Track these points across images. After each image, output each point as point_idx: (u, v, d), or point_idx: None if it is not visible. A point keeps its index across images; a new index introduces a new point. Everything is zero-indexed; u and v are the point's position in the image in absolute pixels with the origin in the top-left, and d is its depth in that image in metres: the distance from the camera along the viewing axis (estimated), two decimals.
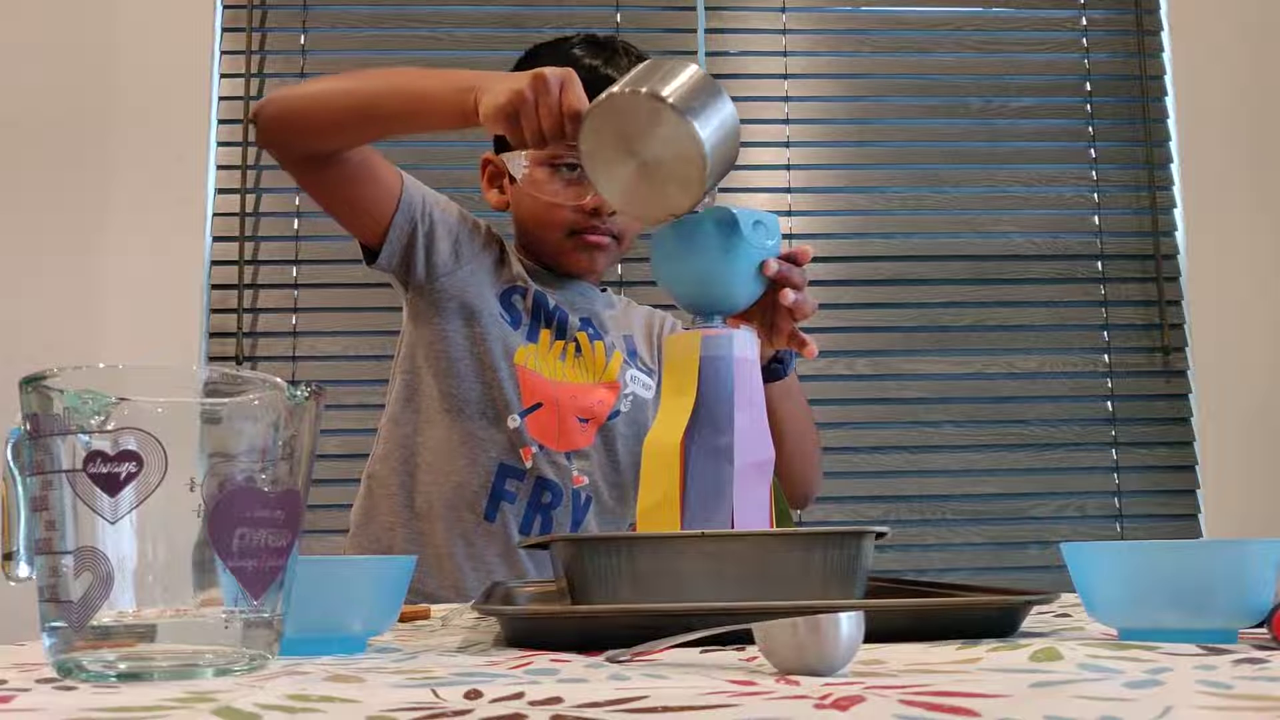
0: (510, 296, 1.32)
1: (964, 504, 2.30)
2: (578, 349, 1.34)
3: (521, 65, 1.33)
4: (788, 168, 2.37)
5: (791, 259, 0.98)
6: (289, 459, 0.56)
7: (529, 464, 1.28)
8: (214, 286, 2.27)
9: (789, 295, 0.98)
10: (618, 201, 0.90)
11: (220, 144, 2.30)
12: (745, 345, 0.88)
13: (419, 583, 1.24)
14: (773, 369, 1.18)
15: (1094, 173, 2.42)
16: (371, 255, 1.28)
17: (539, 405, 1.29)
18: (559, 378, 1.32)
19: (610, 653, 0.58)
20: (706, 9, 2.38)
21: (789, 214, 2.35)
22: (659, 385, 1.36)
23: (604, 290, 1.44)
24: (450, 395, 1.29)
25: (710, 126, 0.84)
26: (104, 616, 0.51)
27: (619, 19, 2.37)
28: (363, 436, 2.10)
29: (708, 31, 2.37)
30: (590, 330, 1.35)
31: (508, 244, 1.37)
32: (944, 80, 2.43)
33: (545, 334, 1.32)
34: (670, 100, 0.83)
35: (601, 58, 1.27)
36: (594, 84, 1.04)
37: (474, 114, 1.06)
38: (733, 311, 0.93)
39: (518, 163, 1.26)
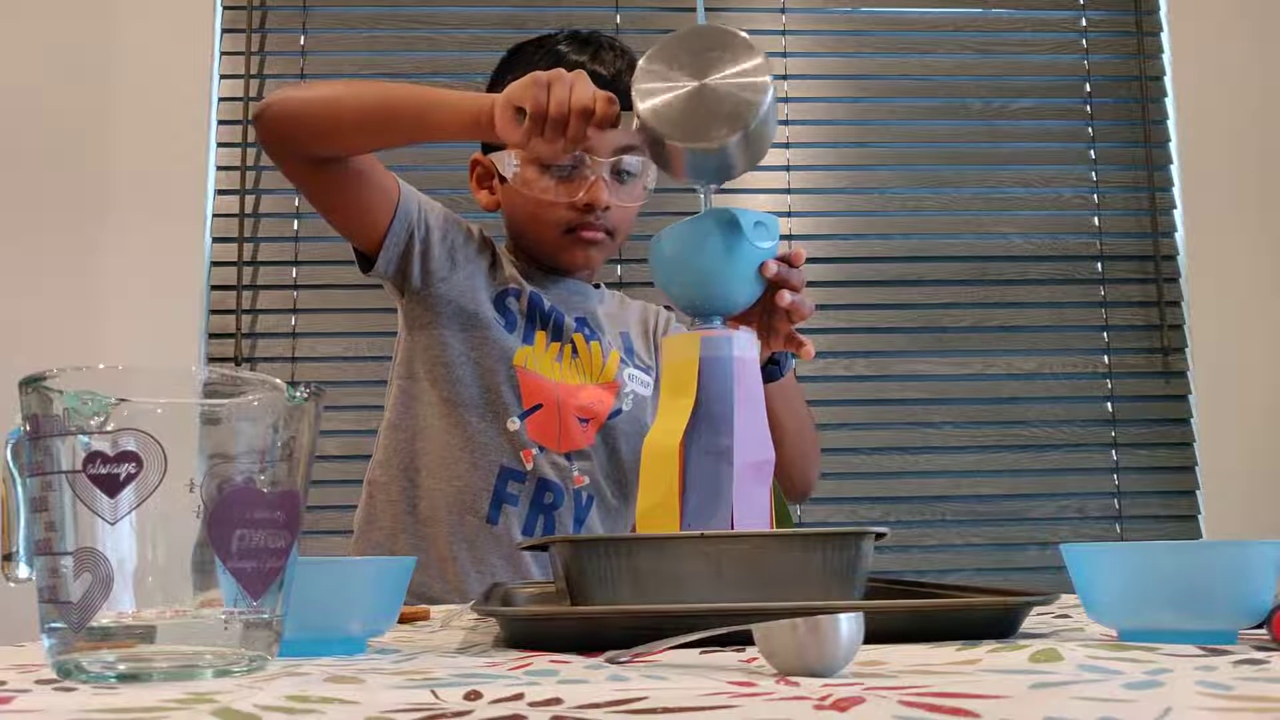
0: (505, 299, 1.32)
1: (963, 505, 2.30)
2: (574, 350, 1.34)
3: (506, 63, 1.34)
4: (788, 168, 2.37)
5: (786, 261, 0.98)
6: (288, 460, 0.56)
7: (530, 466, 1.28)
8: (213, 287, 2.27)
9: (785, 296, 0.98)
10: (657, 120, 0.90)
11: (220, 145, 2.30)
12: (745, 346, 0.88)
13: (423, 587, 1.25)
14: (769, 370, 1.18)
15: (1094, 174, 2.42)
16: (366, 262, 1.28)
17: (539, 406, 1.29)
18: (557, 378, 1.32)
19: (610, 654, 0.58)
20: (706, 10, 2.37)
21: (789, 214, 2.35)
22: (657, 382, 1.37)
23: (598, 287, 1.44)
24: (449, 400, 1.29)
25: (773, 87, 0.88)
26: (103, 617, 0.51)
27: (619, 19, 2.37)
28: (362, 438, 2.11)
29: None
30: (586, 331, 1.35)
31: (498, 246, 1.37)
32: (944, 81, 2.43)
33: (541, 335, 1.32)
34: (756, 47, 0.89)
35: (587, 53, 1.29)
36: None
37: (488, 118, 1.07)
38: (732, 312, 0.93)
39: (508, 161, 1.27)
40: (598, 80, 1.06)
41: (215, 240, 2.28)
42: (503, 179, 1.31)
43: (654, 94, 0.89)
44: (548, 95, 1.02)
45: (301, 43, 2.36)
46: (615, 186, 1.29)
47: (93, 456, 0.51)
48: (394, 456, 1.31)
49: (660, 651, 0.59)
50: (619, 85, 1.25)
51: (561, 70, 1.04)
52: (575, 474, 1.31)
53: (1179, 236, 2.40)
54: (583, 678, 0.52)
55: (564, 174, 1.27)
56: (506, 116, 1.05)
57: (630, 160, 1.29)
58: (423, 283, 1.29)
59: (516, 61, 1.32)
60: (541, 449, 1.29)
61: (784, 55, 2.41)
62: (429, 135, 1.18)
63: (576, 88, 1.02)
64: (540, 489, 1.29)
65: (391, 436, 1.32)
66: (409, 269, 1.28)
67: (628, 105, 1.01)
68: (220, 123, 2.31)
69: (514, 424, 1.28)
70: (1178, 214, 2.40)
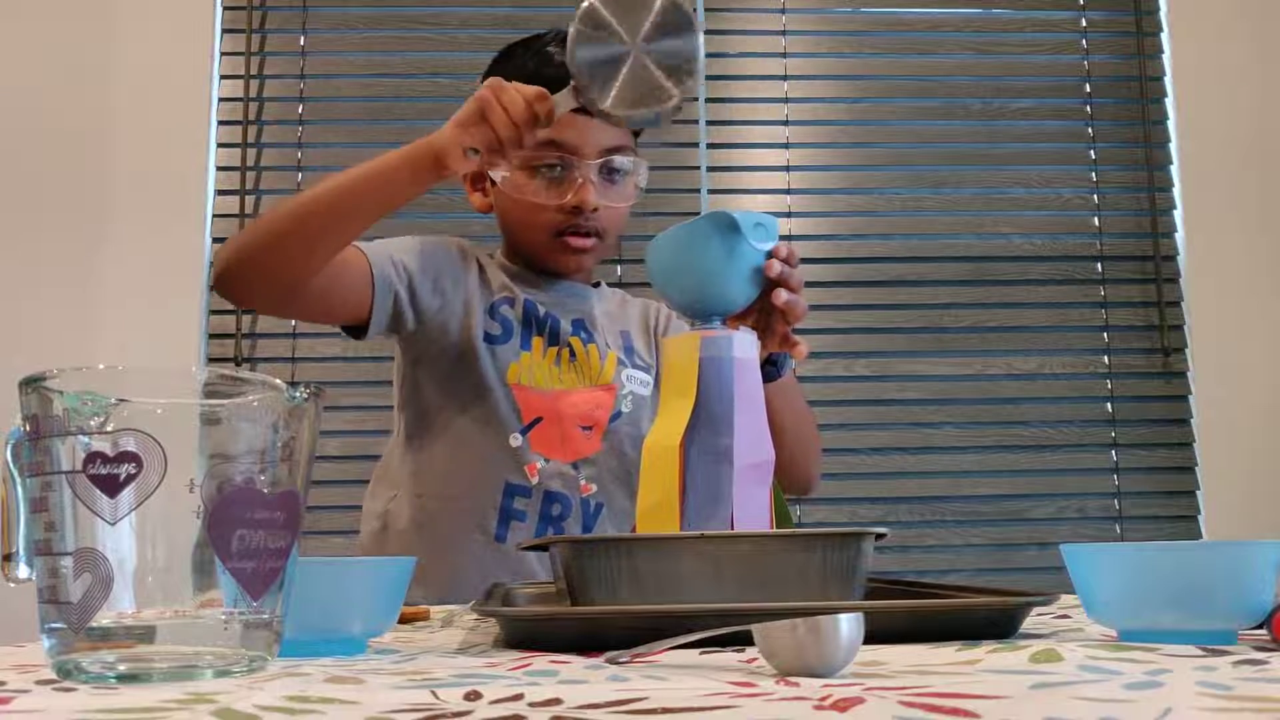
0: (499, 308, 1.32)
1: (963, 505, 2.30)
2: (572, 354, 1.34)
3: (496, 64, 1.35)
4: (787, 168, 2.37)
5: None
6: (288, 460, 0.56)
7: (535, 480, 1.28)
8: (213, 288, 2.26)
9: (780, 295, 0.98)
10: (607, 99, 0.97)
11: (220, 145, 2.30)
12: (745, 346, 0.88)
13: (430, 604, 1.24)
14: (766, 372, 1.18)
15: (1094, 174, 2.42)
16: (355, 328, 1.26)
17: (539, 420, 1.29)
18: (555, 385, 1.31)
19: (610, 654, 0.58)
20: (706, 9, 2.39)
21: (789, 214, 2.35)
22: (658, 380, 1.37)
23: (597, 285, 1.43)
24: (451, 425, 1.29)
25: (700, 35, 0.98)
26: (103, 618, 0.51)
27: None
28: (362, 438, 2.11)
29: (708, 32, 2.37)
30: (583, 334, 1.35)
31: (481, 256, 1.37)
32: (944, 81, 2.43)
33: (538, 342, 1.32)
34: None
35: None
36: (569, 80, 1.04)
37: (442, 160, 1.09)
38: (732, 311, 0.93)
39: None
40: None
41: (215, 240, 2.28)
42: (494, 182, 1.31)
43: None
44: (490, 125, 1.06)
45: (301, 43, 2.36)
46: (605, 187, 1.28)
47: (93, 457, 0.51)
48: (401, 481, 1.31)
49: (660, 652, 0.59)
50: None
51: (482, 94, 1.07)
52: (582, 482, 1.31)
53: (1179, 237, 2.40)
54: (583, 678, 0.52)
55: (553, 176, 1.27)
56: (457, 156, 1.09)
57: (620, 159, 1.29)
58: (416, 322, 1.28)
59: (506, 63, 1.32)
60: (547, 460, 1.29)
61: (784, 56, 2.41)
62: (391, 203, 1.15)
63: (511, 105, 1.06)
64: (547, 502, 1.29)
65: (396, 461, 1.33)
66: (401, 319, 1.26)
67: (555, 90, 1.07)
68: (220, 123, 2.31)
69: (516, 440, 1.28)
70: (1178, 214, 2.40)
